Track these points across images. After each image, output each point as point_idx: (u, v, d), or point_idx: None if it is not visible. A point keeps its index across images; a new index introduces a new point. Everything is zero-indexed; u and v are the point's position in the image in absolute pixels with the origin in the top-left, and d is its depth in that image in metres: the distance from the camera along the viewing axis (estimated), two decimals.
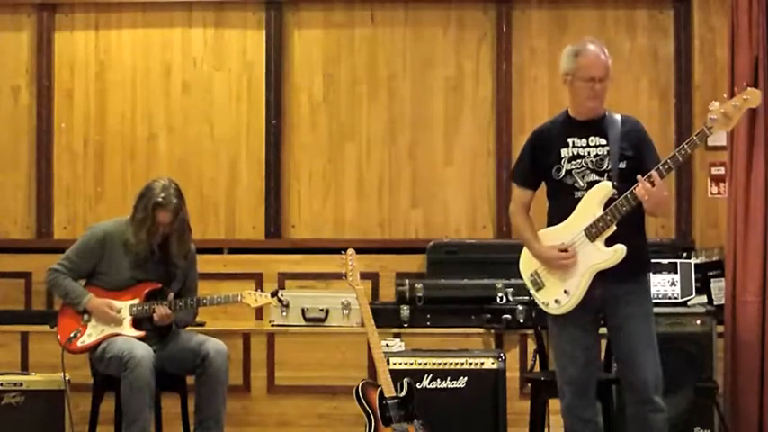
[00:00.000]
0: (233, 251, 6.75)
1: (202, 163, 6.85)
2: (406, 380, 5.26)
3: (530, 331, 5.81)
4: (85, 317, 5.27)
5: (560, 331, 4.60)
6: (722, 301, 5.95)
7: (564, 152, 4.55)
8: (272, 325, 6.18)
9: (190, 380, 5.36)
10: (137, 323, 5.29)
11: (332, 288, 6.33)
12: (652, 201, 4.33)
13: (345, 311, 6.15)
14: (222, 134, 6.86)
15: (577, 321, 4.54)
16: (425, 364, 5.47)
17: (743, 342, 5.78)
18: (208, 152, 6.86)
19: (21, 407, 5.51)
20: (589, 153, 4.53)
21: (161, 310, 5.25)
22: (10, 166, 6.86)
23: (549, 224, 4.62)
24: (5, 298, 6.64)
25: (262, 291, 5.51)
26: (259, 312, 6.27)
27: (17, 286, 6.68)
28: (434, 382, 5.45)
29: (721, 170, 6.38)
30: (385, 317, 5.99)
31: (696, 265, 6.08)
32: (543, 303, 4.60)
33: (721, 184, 6.40)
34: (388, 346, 5.66)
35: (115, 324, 5.26)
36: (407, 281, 6.25)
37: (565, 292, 4.51)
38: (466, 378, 5.45)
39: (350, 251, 5.49)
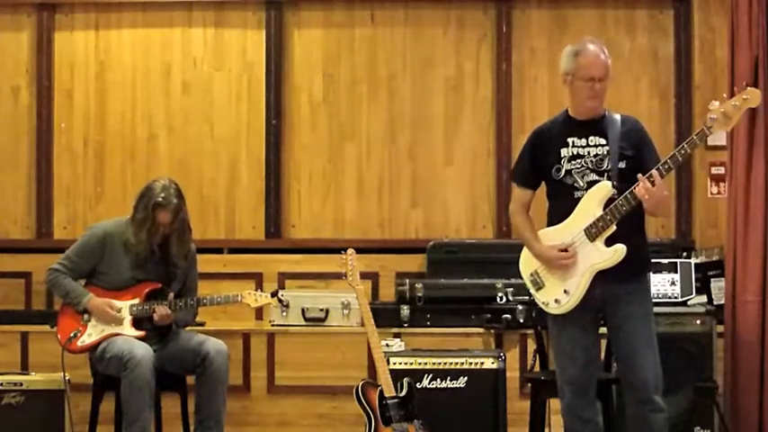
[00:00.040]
0: (233, 251, 6.75)
1: (202, 163, 6.85)
2: (406, 380, 5.26)
3: (530, 331, 5.81)
4: (85, 317, 5.27)
5: (560, 331, 4.60)
6: (722, 301, 5.95)
7: (564, 152, 4.55)
8: (272, 325, 6.18)
9: (190, 380, 5.36)
10: (137, 323, 5.29)
11: (332, 288, 6.33)
12: (652, 200, 4.33)
13: (345, 311, 6.15)
14: (222, 134, 6.86)
15: (577, 321, 4.54)
16: (425, 364, 5.47)
17: (743, 342, 5.78)
18: (208, 152, 6.86)
19: (21, 407, 5.51)
20: (589, 153, 4.53)
21: (161, 310, 5.25)
22: (10, 166, 6.87)
23: (549, 224, 4.62)
24: (5, 298, 6.64)
25: (262, 291, 5.51)
26: (259, 312, 6.27)
27: (17, 286, 6.68)
28: (434, 382, 5.45)
29: (721, 170, 6.38)
30: (385, 317, 5.99)
31: (696, 264, 6.08)
32: (543, 303, 4.60)
33: (721, 184, 6.40)
34: (388, 345, 5.66)
35: (115, 324, 5.26)
36: (407, 281, 6.25)
37: (565, 291, 4.51)
38: (466, 378, 5.45)
39: (350, 251, 5.49)
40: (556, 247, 4.51)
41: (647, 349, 4.49)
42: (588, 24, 6.69)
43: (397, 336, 5.98)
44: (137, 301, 5.30)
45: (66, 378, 5.31)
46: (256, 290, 5.52)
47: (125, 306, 5.29)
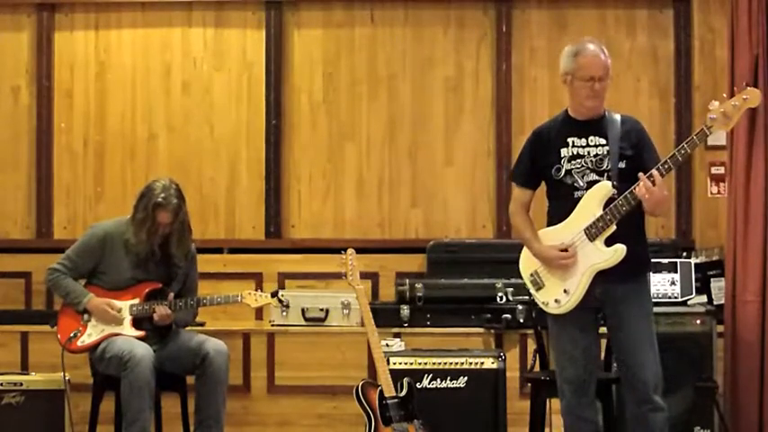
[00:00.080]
0: (233, 251, 6.75)
1: (202, 163, 6.85)
2: (406, 380, 5.26)
3: (530, 331, 5.81)
4: (85, 317, 5.27)
5: (560, 331, 4.60)
6: (722, 301, 5.95)
7: (564, 152, 4.56)
8: (272, 325, 6.18)
9: (190, 380, 5.36)
10: (137, 323, 5.29)
11: (332, 288, 6.33)
12: (652, 200, 4.32)
13: (345, 311, 6.15)
14: (222, 134, 6.86)
15: (577, 321, 4.54)
16: (425, 363, 5.47)
17: (743, 342, 5.78)
18: (208, 152, 6.85)
19: (21, 407, 5.51)
20: (589, 153, 4.53)
21: (161, 310, 5.25)
22: (10, 166, 6.86)
23: (549, 224, 4.62)
24: (5, 298, 6.64)
25: (262, 291, 5.51)
26: (259, 312, 6.27)
27: (17, 286, 6.68)
28: (434, 382, 5.45)
29: (721, 170, 6.38)
30: (385, 317, 5.99)
31: (696, 264, 6.08)
32: (543, 303, 4.60)
33: (721, 184, 6.40)
34: (388, 345, 5.66)
35: (115, 324, 5.26)
36: (407, 281, 6.24)
37: (564, 291, 4.51)
38: (466, 378, 5.45)
39: (350, 251, 5.48)
40: (556, 246, 4.51)
41: (647, 349, 4.49)
42: (588, 24, 6.69)
43: (397, 336, 5.98)
44: (137, 301, 5.30)
45: (67, 378, 5.32)
46: (256, 290, 5.52)
47: (125, 306, 5.29)
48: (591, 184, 4.49)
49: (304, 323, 6.16)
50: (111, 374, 5.15)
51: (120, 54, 6.88)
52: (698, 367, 5.65)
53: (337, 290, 6.17)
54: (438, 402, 5.39)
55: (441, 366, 5.46)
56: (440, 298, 6.17)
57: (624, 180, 4.42)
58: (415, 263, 6.58)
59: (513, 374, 5.74)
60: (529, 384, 5.46)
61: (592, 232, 4.44)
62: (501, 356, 5.50)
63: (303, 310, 6.17)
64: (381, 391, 5.18)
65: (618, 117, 4.59)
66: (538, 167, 4.64)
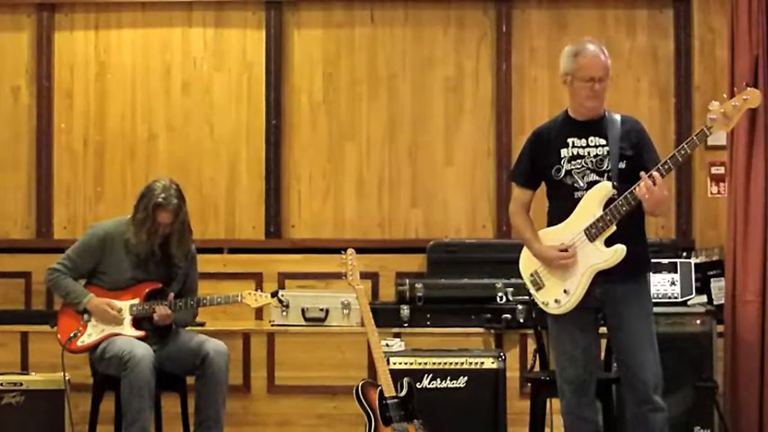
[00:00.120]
0: (233, 251, 6.75)
1: (202, 163, 6.85)
2: (406, 380, 5.26)
3: (530, 331, 5.81)
4: (85, 317, 5.27)
5: (560, 331, 4.60)
6: (722, 301, 5.95)
7: (564, 152, 4.56)
8: (272, 325, 6.18)
9: (190, 380, 5.36)
10: (137, 323, 5.29)
11: (332, 288, 6.33)
12: (652, 199, 4.32)
13: (345, 311, 6.15)
14: (222, 134, 6.86)
15: (577, 321, 4.54)
16: (425, 363, 5.48)
17: (743, 342, 5.78)
18: (208, 152, 6.85)
19: (21, 407, 5.51)
20: (589, 153, 4.53)
21: (161, 310, 5.25)
22: (10, 166, 6.86)
23: (549, 224, 4.62)
24: (5, 298, 6.64)
25: (262, 291, 5.51)
26: (259, 312, 6.27)
27: (17, 286, 6.68)
28: (434, 382, 5.45)
29: (721, 170, 6.38)
30: (385, 317, 5.99)
31: (696, 264, 6.07)
32: (543, 303, 4.60)
33: (721, 184, 6.40)
34: (388, 345, 5.66)
35: (115, 324, 5.27)
36: (407, 281, 6.24)
37: (564, 291, 4.51)
38: (466, 378, 5.45)
39: (350, 251, 5.48)
40: (556, 247, 4.51)
41: (647, 349, 4.49)
42: (588, 24, 6.69)
43: (397, 336, 5.98)
44: (137, 301, 5.31)
45: (67, 378, 5.32)
46: (256, 290, 5.53)
47: (125, 306, 5.29)
48: (591, 184, 4.49)
49: (304, 323, 6.16)
50: (111, 374, 5.15)
51: (120, 54, 6.88)
52: (698, 367, 5.65)
53: (337, 290, 6.17)
54: (438, 402, 5.39)
55: (441, 366, 5.46)
56: (440, 298, 6.17)
57: (624, 180, 4.42)
58: (415, 263, 6.58)
59: (513, 374, 5.74)
60: (529, 384, 5.46)
61: (592, 233, 4.44)
62: (501, 356, 5.50)
63: (303, 310, 6.17)
64: (381, 391, 5.18)
65: (618, 117, 4.59)
66: (538, 168, 4.64)
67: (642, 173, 4.33)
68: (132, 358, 5.02)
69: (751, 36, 5.86)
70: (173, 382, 5.36)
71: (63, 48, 6.88)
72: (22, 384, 5.53)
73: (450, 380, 5.45)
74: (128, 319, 5.28)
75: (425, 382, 5.43)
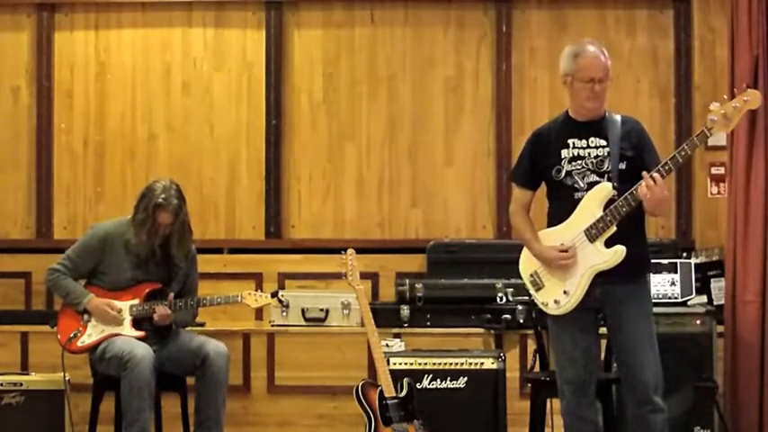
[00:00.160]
0: (233, 251, 6.74)
1: (202, 163, 6.85)
2: (406, 380, 5.26)
3: (530, 331, 5.81)
4: (85, 317, 5.28)
5: (560, 331, 4.60)
6: (722, 301, 5.95)
7: (564, 153, 4.56)
8: (272, 325, 6.18)
9: (190, 380, 5.37)
10: (137, 323, 5.29)
11: (332, 288, 6.33)
12: (653, 199, 4.32)
13: (345, 311, 6.15)
14: (222, 134, 6.86)
15: (577, 322, 4.54)
16: (425, 364, 5.48)
17: (743, 342, 5.78)
18: (208, 152, 6.85)
19: (21, 407, 5.51)
20: (589, 154, 4.53)
21: (161, 311, 5.25)
22: (10, 166, 6.86)
23: (550, 225, 4.62)
24: (5, 298, 6.64)
25: (262, 291, 5.51)
26: (259, 312, 6.26)
27: (17, 286, 6.68)
28: (434, 383, 5.45)
29: (721, 170, 6.38)
30: (385, 317, 5.99)
31: (696, 265, 6.08)
32: (543, 303, 4.60)
33: (721, 184, 6.40)
34: (388, 346, 5.67)
35: (115, 324, 5.27)
36: (407, 281, 6.24)
37: (564, 292, 4.51)
38: (466, 378, 5.45)
39: (350, 251, 5.49)
40: (556, 247, 4.51)
41: (647, 350, 4.49)
42: (588, 24, 6.69)
43: (397, 336, 5.99)
44: (137, 301, 5.31)
45: (67, 378, 5.32)
46: (256, 290, 5.53)
47: (125, 306, 5.29)
48: (591, 185, 4.49)
49: (304, 323, 6.16)
50: (111, 375, 5.16)
51: (120, 54, 6.88)
52: (698, 367, 5.65)
53: (337, 290, 6.17)
54: (438, 403, 5.40)
55: (441, 367, 5.46)
56: (440, 298, 6.17)
57: (624, 181, 4.42)
58: (415, 263, 6.58)
59: (513, 375, 5.75)
60: (529, 385, 5.46)
61: (592, 233, 4.44)
62: (501, 357, 5.50)
63: (303, 311, 6.17)
64: (381, 392, 5.18)
65: (618, 118, 4.59)
66: (538, 168, 4.64)
67: (644, 173, 4.33)
68: (132, 358, 5.03)
69: (751, 36, 5.86)
70: (173, 383, 5.36)
71: (63, 48, 6.88)
72: (22, 384, 5.53)
73: (450, 380, 5.45)
74: (128, 319, 5.29)
75: (425, 383, 5.43)
